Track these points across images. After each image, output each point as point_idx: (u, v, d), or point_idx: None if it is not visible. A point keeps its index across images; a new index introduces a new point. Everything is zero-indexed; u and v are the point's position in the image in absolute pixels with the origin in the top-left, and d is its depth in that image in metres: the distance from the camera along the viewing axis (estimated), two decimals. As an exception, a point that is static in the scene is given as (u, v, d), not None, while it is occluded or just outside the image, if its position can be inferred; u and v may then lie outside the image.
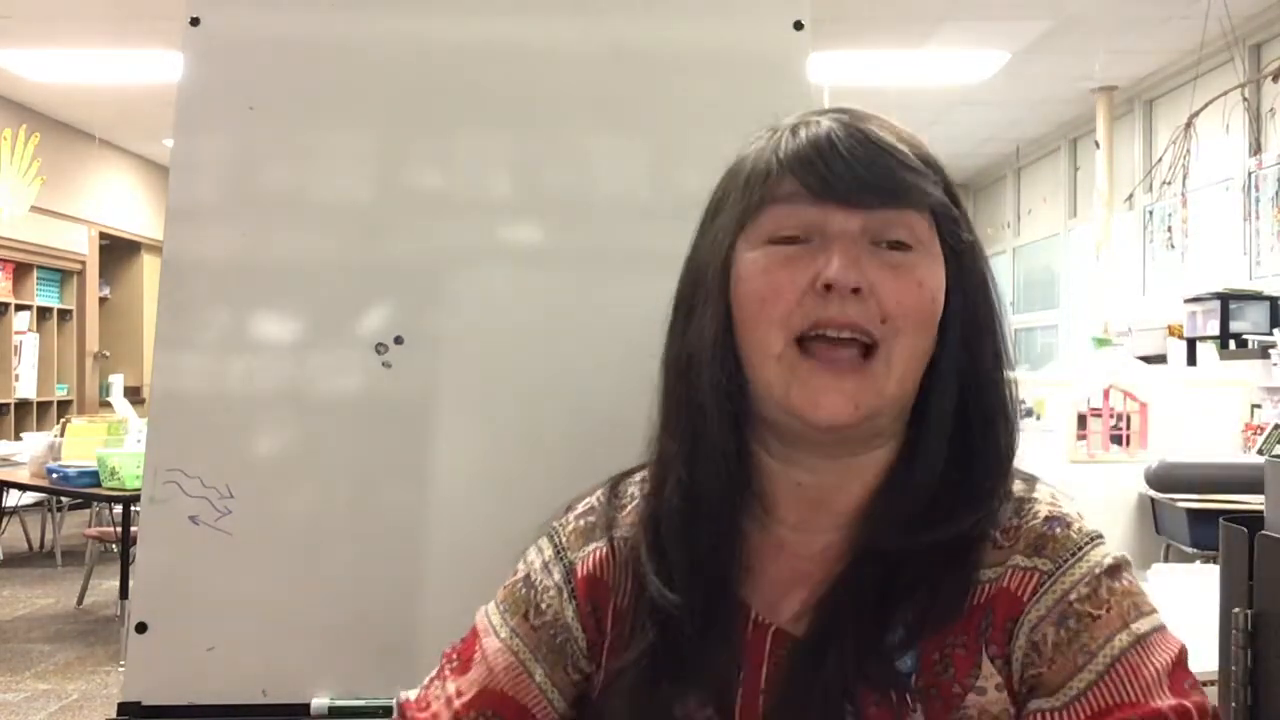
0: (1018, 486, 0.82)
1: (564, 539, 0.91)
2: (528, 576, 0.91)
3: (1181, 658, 0.76)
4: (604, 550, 0.88)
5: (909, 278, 0.76)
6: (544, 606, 0.89)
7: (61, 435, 5.71)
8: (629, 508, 0.89)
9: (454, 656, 0.92)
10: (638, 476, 0.91)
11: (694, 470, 0.81)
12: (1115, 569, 0.78)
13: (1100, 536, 0.80)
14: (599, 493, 0.93)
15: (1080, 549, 0.78)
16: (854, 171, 0.75)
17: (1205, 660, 1.65)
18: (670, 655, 0.80)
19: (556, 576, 0.89)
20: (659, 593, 0.81)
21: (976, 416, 0.80)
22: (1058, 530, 0.79)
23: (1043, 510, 0.80)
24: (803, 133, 0.79)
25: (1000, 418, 0.81)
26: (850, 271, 0.75)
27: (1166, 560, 2.95)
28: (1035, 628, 0.76)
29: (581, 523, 0.91)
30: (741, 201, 0.79)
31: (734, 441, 0.81)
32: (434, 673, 0.93)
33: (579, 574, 0.88)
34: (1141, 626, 0.76)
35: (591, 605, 0.87)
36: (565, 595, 0.88)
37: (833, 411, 0.76)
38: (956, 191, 0.82)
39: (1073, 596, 0.76)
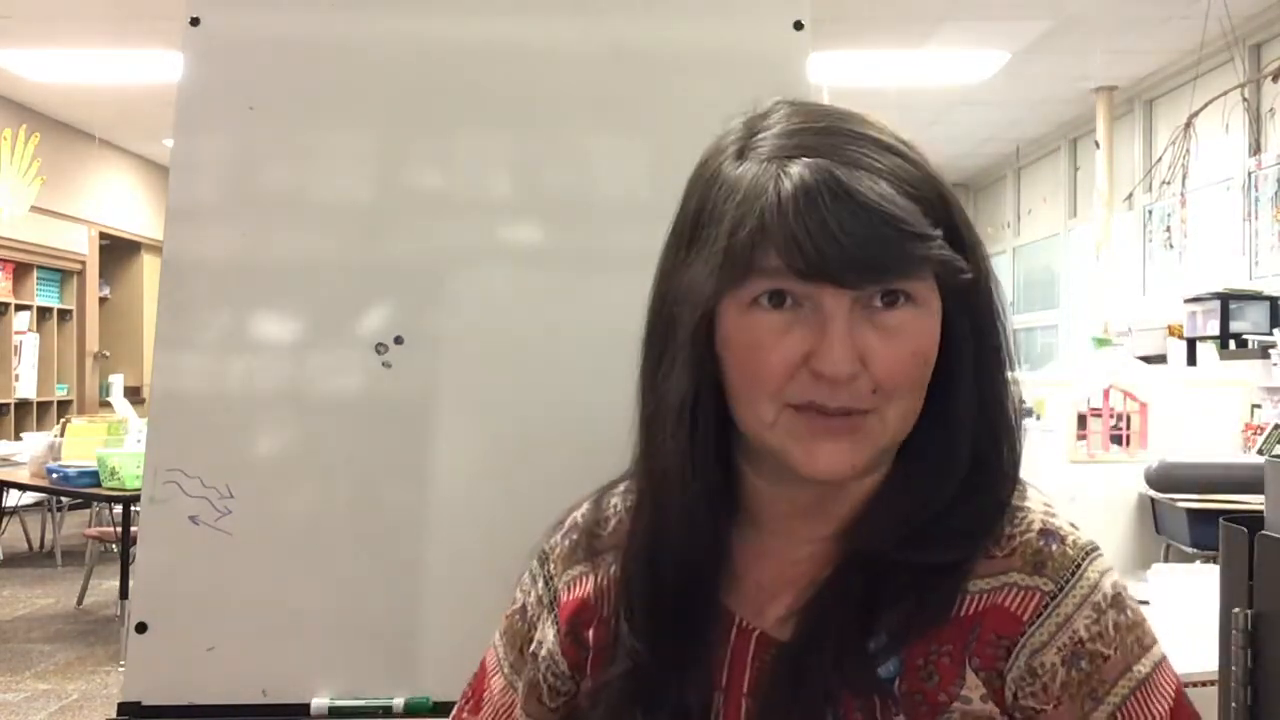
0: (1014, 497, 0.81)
1: (552, 565, 0.92)
2: (523, 608, 0.92)
3: (1179, 699, 0.77)
4: (587, 572, 0.89)
5: (903, 346, 0.73)
6: (534, 639, 0.90)
7: (61, 435, 5.71)
8: (612, 523, 0.89)
9: (469, 694, 0.94)
10: (621, 487, 0.91)
11: (666, 511, 0.81)
12: (1119, 599, 0.77)
13: (1096, 549, 0.79)
14: (584, 507, 0.93)
15: (1078, 566, 0.77)
16: (846, 252, 0.69)
17: (1205, 660, 1.65)
18: (644, 683, 0.80)
19: (545, 606, 0.91)
20: (627, 636, 0.81)
21: (986, 443, 0.79)
22: (1054, 547, 0.77)
23: (1036, 522, 0.79)
24: (786, 185, 0.71)
25: (1006, 442, 0.80)
26: (843, 362, 0.71)
27: (1166, 560, 2.94)
28: (1037, 654, 0.75)
29: (567, 542, 0.91)
30: (723, 265, 0.73)
31: (703, 486, 0.79)
32: (453, 712, 0.94)
33: (562, 600, 0.89)
34: (1144, 668, 0.76)
35: (573, 627, 0.87)
36: (549, 621, 0.89)
37: (831, 469, 0.74)
38: (960, 217, 0.77)
39: (1080, 629, 0.75)
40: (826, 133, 0.75)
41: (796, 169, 0.72)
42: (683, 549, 0.80)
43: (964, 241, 0.76)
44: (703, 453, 0.78)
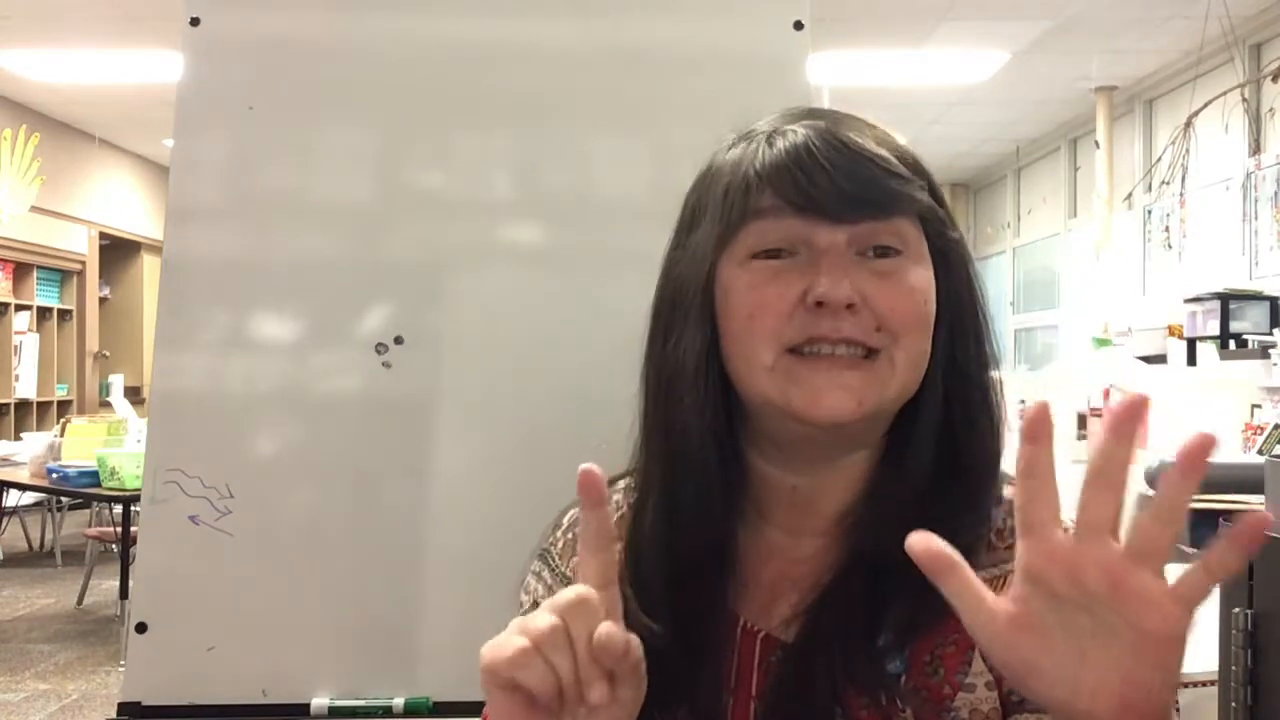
0: (1009, 491, 0.81)
1: (556, 557, 0.91)
2: (535, 603, 0.91)
3: None
4: None
5: (900, 285, 0.75)
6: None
7: (61, 435, 5.71)
8: (614, 517, 0.89)
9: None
10: (621, 484, 0.91)
11: (677, 494, 0.80)
12: None
13: None
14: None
15: None
16: (837, 184, 0.73)
17: (1205, 660, 1.65)
18: (656, 678, 0.80)
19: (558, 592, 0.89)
20: (640, 622, 0.80)
21: (960, 419, 0.79)
22: None
23: None
24: (779, 142, 0.76)
25: (985, 420, 0.80)
26: (842, 287, 0.73)
27: (1166, 560, 2.94)
28: None
29: (570, 535, 0.91)
30: (721, 217, 0.77)
31: (719, 461, 0.79)
32: None
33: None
34: None
35: None
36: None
37: (836, 408, 0.74)
38: (939, 189, 0.81)
39: None
40: (814, 113, 0.80)
41: (787, 129, 0.77)
42: (696, 526, 0.80)
43: (944, 210, 0.80)
44: (712, 416, 0.79)
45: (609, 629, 0.63)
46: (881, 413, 0.77)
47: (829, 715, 0.75)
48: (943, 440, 0.79)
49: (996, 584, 0.77)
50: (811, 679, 0.75)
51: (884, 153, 0.76)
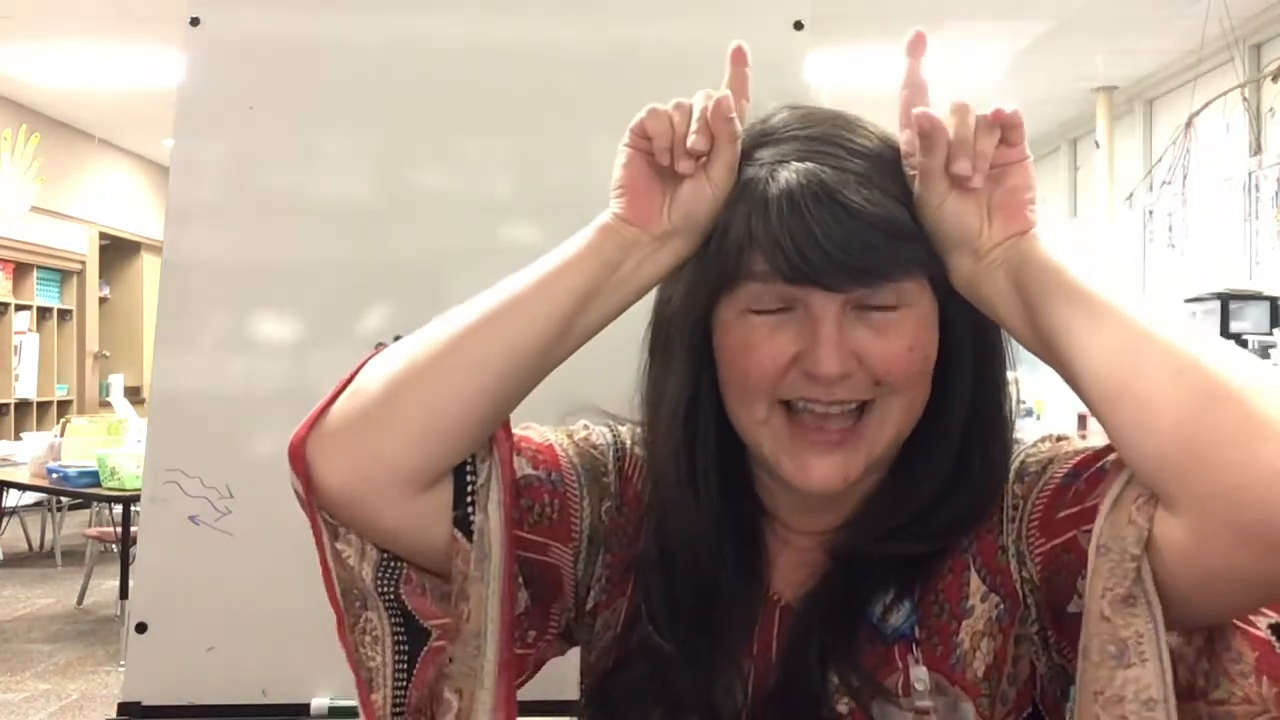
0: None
1: (628, 443, 0.89)
2: (593, 444, 0.89)
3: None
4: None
5: (898, 342, 0.74)
6: (595, 440, 0.88)
7: (61, 435, 5.71)
8: (634, 479, 0.88)
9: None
10: (625, 428, 0.91)
11: (673, 515, 0.81)
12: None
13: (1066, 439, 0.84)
14: (603, 429, 0.91)
15: (1050, 459, 0.80)
16: (830, 256, 0.70)
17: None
18: (668, 687, 0.80)
19: (612, 477, 0.88)
20: (650, 635, 0.81)
21: (975, 437, 0.80)
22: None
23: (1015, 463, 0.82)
24: (773, 191, 0.73)
25: (997, 442, 0.81)
26: (835, 362, 0.72)
27: (1167, 560, 2.94)
28: (1028, 499, 0.77)
29: (629, 441, 0.89)
30: (715, 269, 0.75)
31: (720, 489, 0.80)
32: None
33: (627, 494, 0.86)
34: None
35: (620, 497, 0.86)
36: (612, 455, 0.87)
37: (823, 482, 0.75)
38: None
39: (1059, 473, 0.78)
40: (820, 140, 0.77)
41: (784, 174, 0.74)
42: (690, 549, 0.81)
43: None
44: (703, 454, 0.79)
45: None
46: (872, 472, 0.78)
47: (822, 678, 0.76)
48: (955, 458, 0.79)
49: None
50: (808, 642, 0.77)
51: (884, 208, 0.72)
